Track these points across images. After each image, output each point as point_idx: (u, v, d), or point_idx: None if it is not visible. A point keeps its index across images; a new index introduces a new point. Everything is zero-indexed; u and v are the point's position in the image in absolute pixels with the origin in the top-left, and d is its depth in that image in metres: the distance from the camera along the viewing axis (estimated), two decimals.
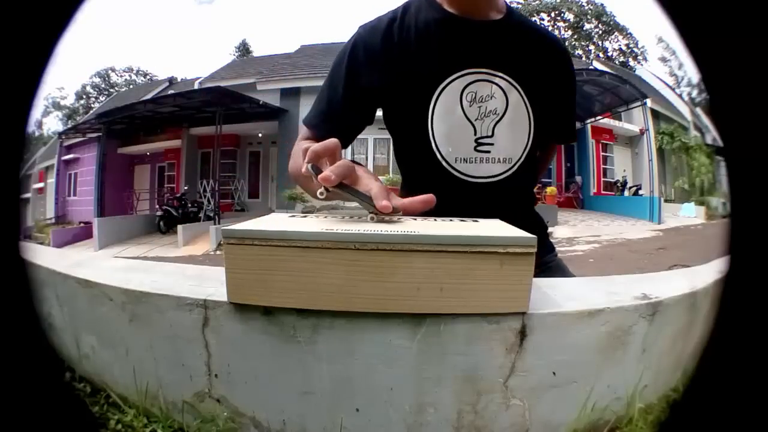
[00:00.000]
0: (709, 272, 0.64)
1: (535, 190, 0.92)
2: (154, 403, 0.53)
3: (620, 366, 0.52)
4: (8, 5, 0.32)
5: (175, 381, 0.52)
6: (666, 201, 11.44)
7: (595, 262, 5.94)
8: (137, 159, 13.43)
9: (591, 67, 13.59)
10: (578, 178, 13.56)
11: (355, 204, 0.55)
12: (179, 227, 8.65)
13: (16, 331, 0.37)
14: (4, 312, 0.36)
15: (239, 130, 11.27)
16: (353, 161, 0.61)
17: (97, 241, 9.10)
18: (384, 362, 0.48)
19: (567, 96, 0.84)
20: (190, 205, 10.35)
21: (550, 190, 11.42)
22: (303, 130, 0.83)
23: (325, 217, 0.61)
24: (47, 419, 0.39)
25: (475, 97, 0.74)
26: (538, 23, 0.83)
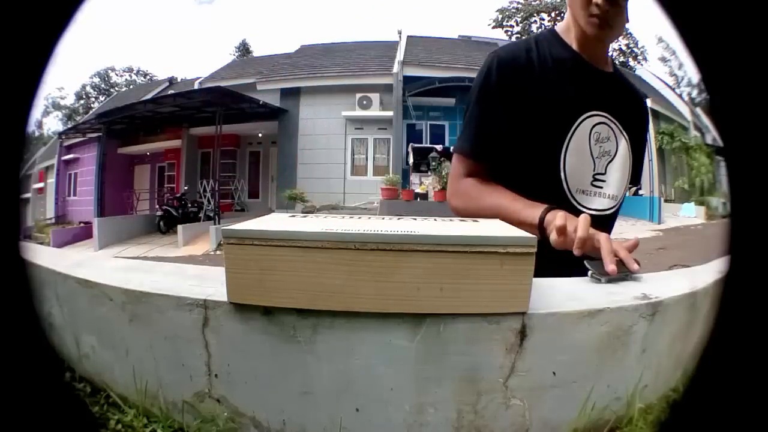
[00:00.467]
0: (709, 272, 0.64)
1: None
2: (154, 403, 0.53)
3: (620, 366, 0.52)
4: (8, 5, 0.32)
5: (175, 381, 0.52)
6: (666, 201, 11.44)
7: None
8: (137, 159, 13.42)
9: None
10: None
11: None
12: (179, 227, 8.65)
13: (17, 331, 0.37)
14: (4, 312, 0.36)
15: (239, 130, 11.26)
16: (550, 207, 0.72)
17: (97, 241, 9.09)
18: (384, 362, 0.48)
19: (643, 147, 0.94)
20: (190, 205, 10.34)
21: None
22: (462, 161, 0.84)
23: (325, 217, 0.61)
24: (47, 419, 0.39)
25: (599, 137, 0.82)
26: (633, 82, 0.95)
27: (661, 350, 0.55)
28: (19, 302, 0.37)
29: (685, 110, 13.89)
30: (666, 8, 0.34)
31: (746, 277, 0.33)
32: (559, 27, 0.86)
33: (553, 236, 0.66)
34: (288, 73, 11.23)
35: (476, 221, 0.61)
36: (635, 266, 0.61)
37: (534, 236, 0.47)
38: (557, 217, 0.67)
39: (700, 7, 0.32)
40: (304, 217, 0.62)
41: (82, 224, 11.40)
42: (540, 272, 0.50)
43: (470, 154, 0.83)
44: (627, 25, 0.83)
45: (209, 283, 0.54)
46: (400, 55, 10.15)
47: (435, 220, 0.61)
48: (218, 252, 7.35)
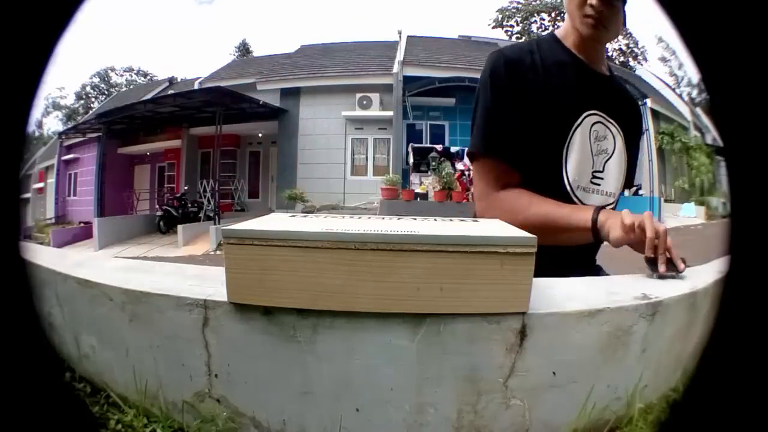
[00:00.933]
0: (709, 272, 0.64)
1: None
2: (154, 403, 0.53)
3: (620, 366, 0.52)
4: (8, 5, 0.32)
5: (175, 381, 0.52)
6: (666, 201, 11.43)
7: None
8: (137, 159, 13.41)
9: None
10: None
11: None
12: (179, 227, 8.64)
13: (17, 331, 0.37)
14: (4, 312, 0.36)
15: (239, 130, 11.25)
16: (599, 208, 0.74)
17: (97, 241, 9.09)
18: (384, 362, 0.48)
19: (637, 149, 0.96)
20: (190, 205, 10.34)
21: None
22: (487, 168, 0.83)
23: (325, 217, 0.61)
24: (47, 419, 0.39)
25: (597, 135, 0.84)
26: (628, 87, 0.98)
27: (661, 350, 0.55)
28: (19, 302, 0.37)
29: (685, 110, 13.89)
30: (666, 8, 0.34)
31: (746, 277, 0.33)
32: (559, 32, 0.88)
33: (618, 233, 0.67)
34: (288, 73, 11.23)
35: (476, 221, 0.61)
36: (682, 266, 0.64)
37: (534, 236, 0.47)
38: (624, 216, 0.68)
39: (700, 7, 0.32)
40: (304, 217, 0.62)
41: (82, 224, 11.40)
42: (540, 272, 0.50)
43: (488, 149, 0.81)
44: (627, 25, 0.84)
45: (209, 283, 0.54)
46: (400, 55, 10.14)
47: (435, 220, 0.61)
48: (218, 252, 7.35)
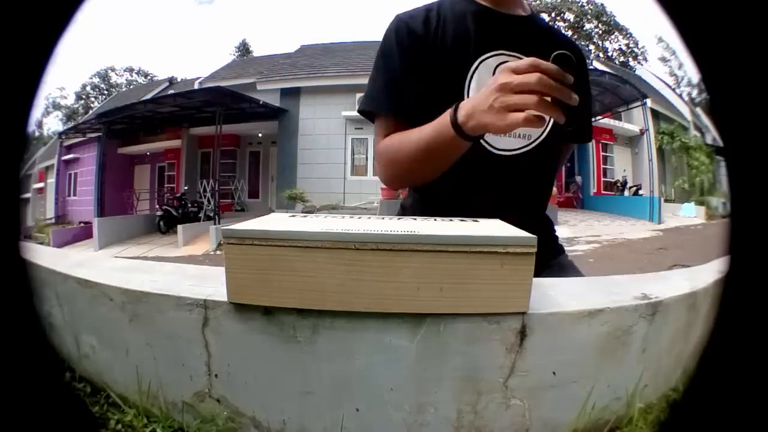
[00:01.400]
0: (709, 272, 0.64)
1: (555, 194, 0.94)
2: (154, 403, 0.53)
3: (620, 366, 0.52)
4: (8, 5, 0.32)
5: (175, 381, 0.52)
6: (666, 201, 11.44)
7: (595, 262, 5.94)
8: (137, 159, 13.42)
9: (591, 67, 13.59)
10: (578, 178, 13.55)
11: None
12: (179, 227, 8.65)
13: (17, 331, 0.37)
14: (4, 312, 0.36)
15: (239, 130, 11.27)
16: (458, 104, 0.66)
17: (97, 241, 9.09)
18: (384, 362, 0.48)
19: (584, 96, 0.85)
20: (190, 205, 10.34)
21: None
22: (377, 125, 0.83)
23: (325, 217, 0.61)
24: (47, 419, 0.39)
25: None
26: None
27: (661, 350, 0.55)
28: (19, 302, 0.37)
29: (685, 110, 13.89)
30: (666, 8, 0.34)
31: (746, 277, 0.33)
32: None
33: (487, 112, 0.57)
34: (288, 73, 11.23)
35: (476, 221, 0.61)
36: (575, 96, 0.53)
37: (534, 236, 0.47)
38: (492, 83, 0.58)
39: (700, 7, 0.32)
40: (304, 217, 0.62)
41: (82, 224, 11.41)
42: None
43: (368, 105, 0.83)
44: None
45: (209, 283, 0.54)
46: None
47: (435, 220, 0.61)
48: (218, 252, 7.35)
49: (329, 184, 10.00)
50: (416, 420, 0.49)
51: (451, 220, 0.61)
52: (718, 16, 0.31)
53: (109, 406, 0.55)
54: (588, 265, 5.69)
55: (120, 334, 0.55)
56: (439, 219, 0.62)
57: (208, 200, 10.26)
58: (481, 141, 0.78)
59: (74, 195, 13.76)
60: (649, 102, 11.37)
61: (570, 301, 0.52)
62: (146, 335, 0.53)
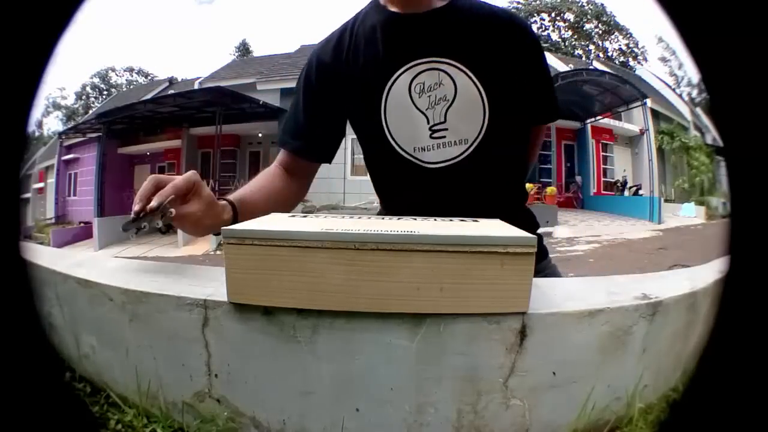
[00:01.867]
0: (709, 272, 0.64)
1: (530, 187, 0.93)
2: (154, 403, 0.53)
3: (620, 366, 0.52)
4: (8, 5, 0.32)
5: (175, 381, 0.52)
6: (666, 201, 11.44)
7: (595, 262, 5.94)
8: (137, 159, 13.42)
9: (591, 67, 13.60)
10: (578, 178, 13.56)
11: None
12: None
13: (17, 331, 0.37)
14: (4, 312, 0.36)
15: (239, 130, 11.26)
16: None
17: (97, 241, 9.10)
18: (384, 362, 0.48)
19: (534, 73, 0.80)
20: None
21: (550, 190, 11.41)
22: (280, 152, 0.89)
23: (325, 217, 0.61)
24: (47, 419, 0.39)
25: (423, 88, 0.75)
26: (494, 4, 0.80)
27: (661, 350, 0.55)
28: (19, 302, 0.37)
29: (685, 110, 13.90)
30: (666, 8, 0.34)
31: (746, 277, 0.33)
32: None
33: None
34: (288, 73, 11.22)
35: (476, 221, 0.61)
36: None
37: (534, 236, 0.47)
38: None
39: (700, 7, 0.32)
40: (304, 217, 0.62)
41: (82, 224, 11.41)
42: None
43: (281, 144, 0.87)
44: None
45: (209, 283, 0.54)
46: None
47: (435, 220, 0.61)
48: (218, 252, 7.35)
49: (329, 184, 10.00)
50: (416, 420, 0.49)
51: (451, 220, 0.61)
52: (718, 16, 0.31)
53: (109, 406, 0.55)
54: (588, 265, 5.70)
55: (120, 334, 0.55)
56: (439, 219, 0.62)
57: None
58: (416, 161, 0.77)
59: (74, 195, 13.76)
60: (649, 102, 11.37)
61: (570, 301, 0.52)
62: (146, 335, 0.53)
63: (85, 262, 0.66)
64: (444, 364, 0.48)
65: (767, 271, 0.32)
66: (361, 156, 0.93)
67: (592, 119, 12.89)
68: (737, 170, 0.33)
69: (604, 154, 13.76)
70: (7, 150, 0.34)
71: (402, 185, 0.82)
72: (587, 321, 0.49)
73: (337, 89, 0.80)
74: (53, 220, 13.27)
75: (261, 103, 10.05)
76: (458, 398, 0.48)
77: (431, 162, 0.77)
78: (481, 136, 0.76)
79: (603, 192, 13.49)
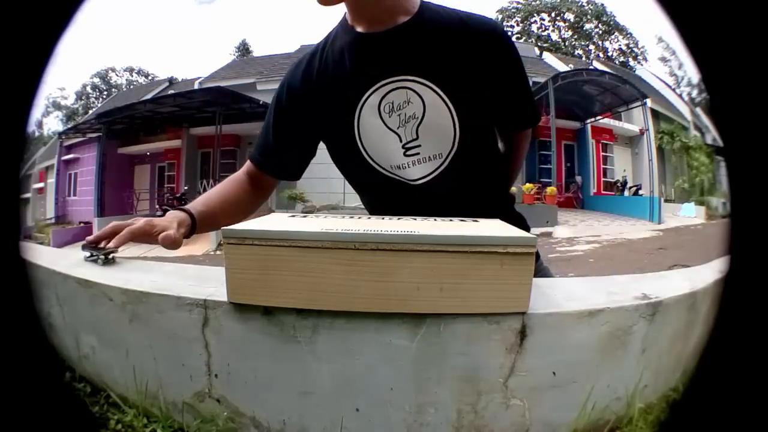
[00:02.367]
0: (709, 272, 0.64)
1: (514, 189, 0.93)
2: (154, 403, 0.53)
3: (620, 366, 0.52)
4: (8, 5, 0.32)
5: (175, 381, 0.52)
6: (666, 201, 11.44)
7: (595, 262, 5.94)
8: (137, 159, 13.43)
9: (591, 67, 13.61)
10: (578, 178, 13.56)
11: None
12: None
13: (17, 331, 0.37)
14: (4, 312, 0.36)
15: (239, 130, 11.27)
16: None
17: None
18: (384, 362, 0.48)
19: (508, 79, 0.79)
20: None
21: (550, 190, 11.42)
22: (248, 163, 0.91)
23: (325, 217, 0.61)
24: (47, 419, 0.39)
25: (392, 107, 0.75)
26: (465, 10, 0.78)
27: (661, 350, 0.55)
28: (19, 302, 0.37)
29: (685, 110, 13.90)
30: (666, 8, 0.34)
31: (746, 277, 0.33)
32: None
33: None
34: None
35: (476, 221, 0.61)
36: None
37: (534, 236, 0.47)
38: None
39: (700, 7, 0.32)
40: (304, 217, 0.62)
41: (82, 224, 11.41)
42: None
43: (252, 161, 0.89)
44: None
45: (209, 283, 0.54)
46: None
47: (435, 220, 0.61)
48: (218, 252, 7.35)
49: (329, 184, 9.99)
50: (416, 420, 0.49)
51: (451, 220, 0.61)
52: (718, 16, 0.31)
53: (109, 406, 0.55)
54: (588, 265, 5.69)
55: (120, 334, 0.55)
56: (438, 219, 0.62)
57: None
58: (399, 179, 0.78)
59: (74, 195, 13.76)
60: (649, 102, 11.37)
61: (570, 301, 0.52)
62: (146, 335, 0.53)
63: (85, 262, 0.66)
64: (444, 364, 0.48)
65: (767, 271, 0.32)
66: None
67: (592, 119, 12.91)
68: (737, 170, 0.33)
69: (604, 154, 13.76)
70: (7, 150, 0.34)
71: (388, 197, 0.82)
72: (587, 321, 0.49)
73: (307, 113, 0.81)
74: (53, 220, 13.28)
75: (261, 103, 10.05)
76: (458, 398, 0.48)
77: (411, 179, 0.77)
78: (454, 150, 0.76)
79: (603, 192, 13.49)
